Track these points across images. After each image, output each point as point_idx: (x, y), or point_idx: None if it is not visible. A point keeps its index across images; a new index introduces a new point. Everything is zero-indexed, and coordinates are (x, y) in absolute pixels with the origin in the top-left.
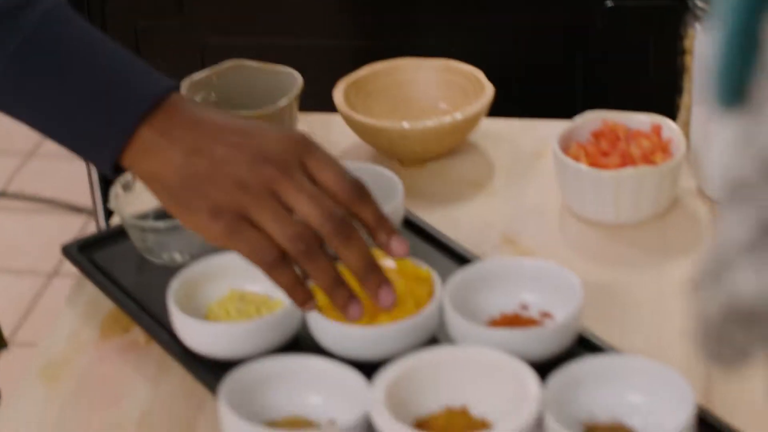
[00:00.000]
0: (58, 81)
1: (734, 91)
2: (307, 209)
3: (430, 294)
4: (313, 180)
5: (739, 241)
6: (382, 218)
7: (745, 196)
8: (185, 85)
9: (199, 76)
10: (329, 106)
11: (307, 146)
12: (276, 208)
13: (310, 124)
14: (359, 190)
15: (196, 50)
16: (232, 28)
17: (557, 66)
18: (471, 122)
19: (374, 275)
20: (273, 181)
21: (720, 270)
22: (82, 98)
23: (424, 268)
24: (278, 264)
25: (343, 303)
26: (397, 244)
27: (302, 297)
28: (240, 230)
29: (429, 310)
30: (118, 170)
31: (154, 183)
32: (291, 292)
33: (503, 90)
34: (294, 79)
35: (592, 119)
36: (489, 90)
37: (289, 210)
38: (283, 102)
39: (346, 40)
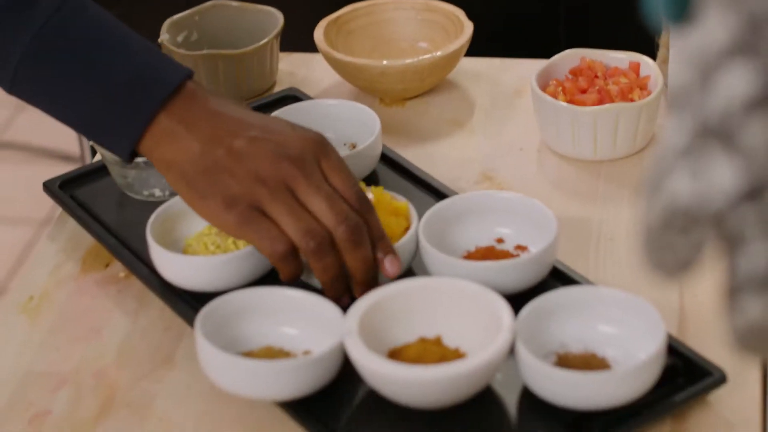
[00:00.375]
0: (75, 69)
1: (679, 4)
2: (323, 209)
3: (407, 227)
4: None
5: (676, 147)
6: (383, 234)
7: (684, 103)
8: (166, 25)
9: (180, 15)
10: (311, 47)
11: (324, 149)
12: (291, 203)
13: (291, 63)
14: (366, 202)
15: None
16: None
17: (538, 4)
18: (450, 60)
19: (374, 284)
20: (291, 178)
21: (660, 177)
22: (99, 86)
23: (401, 201)
24: (287, 257)
25: (337, 296)
26: (391, 263)
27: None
28: (252, 220)
29: (404, 241)
30: (135, 156)
31: (170, 170)
32: (292, 282)
33: (484, 29)
34: (275, 19)
35: (570, 56)
36: (468, 28)
37: (303, 206)
38: (264, 41)
39: None
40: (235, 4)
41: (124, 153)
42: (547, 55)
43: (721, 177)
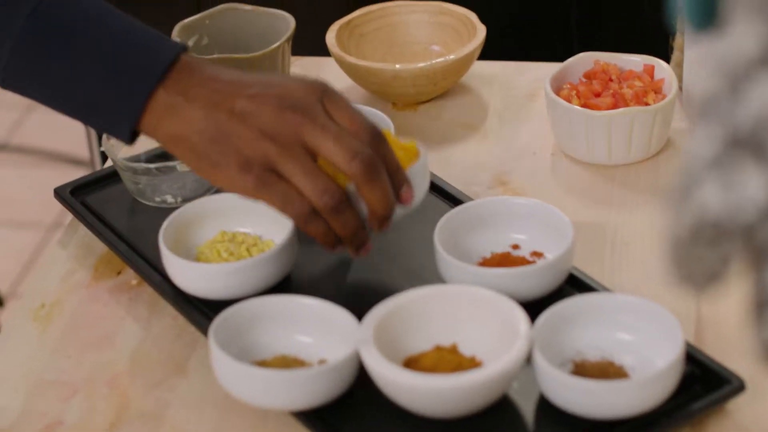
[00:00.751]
0: (66, 54)
1: (703, 10)
2: (333, 149)
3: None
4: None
5: (705, 157)
6: (398, 165)
7: (712, 112)
8: (177, 29)
9: (191, 19)
10: (322, 51)
11: (325, 91)
12: (304, 160)
13: (303, 67)
14: (378, 134)
15: None
16: None
17: (550, 6)
18: (463, 64)
19: (391, 216)
20: (298, 126)
21: (688, 188)
22: (93, 68)
23: (409, 142)
24: (310, 216)
25: (358, 249)
26: (406, 192)
27: (333, 243)
28: (270, 183)
29: (415, 169)
30: (135, 137)
31: (177, 145)
32: (323, 240)
33: (497, 32)
34: (287, 22)
35: (584, 60)
36: (481, 32)
37: (315, 157)
38: (275, 44)
39: None
40: (246, 7)
41: (124, 134)
42: (561, 58)
43: (752, 188)
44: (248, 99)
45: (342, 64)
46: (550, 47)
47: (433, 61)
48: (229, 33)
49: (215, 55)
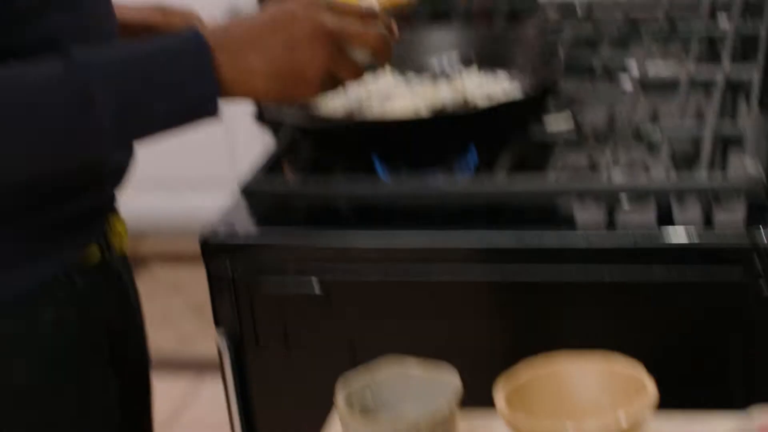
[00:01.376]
0: (137, 92)
1: None
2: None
3: None
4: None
5: None
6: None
7: None
8: (340, 385)
9: (354, 378)
10: (484, 401)
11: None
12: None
13: (470, 423)
14: (371, 12)
15: (343, 343)
16: (379, 325)
17: (713, 352)
18: (635, 427)
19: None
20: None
21: None
22: (164, 78)
23: None
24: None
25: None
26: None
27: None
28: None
29: None
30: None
31: (255, 82)
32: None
33: (659, 379)
34: (451, 382)
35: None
36: (651, 390)
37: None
38: (444, 408)
39: (498, 320)
40: (410, 366)
41: (214, 110)
42: (723, 398)
43: None
44: (284, 35)
45: (512, 425)
46: (714, 393)
47: (605, 423)
48: (393, 388)
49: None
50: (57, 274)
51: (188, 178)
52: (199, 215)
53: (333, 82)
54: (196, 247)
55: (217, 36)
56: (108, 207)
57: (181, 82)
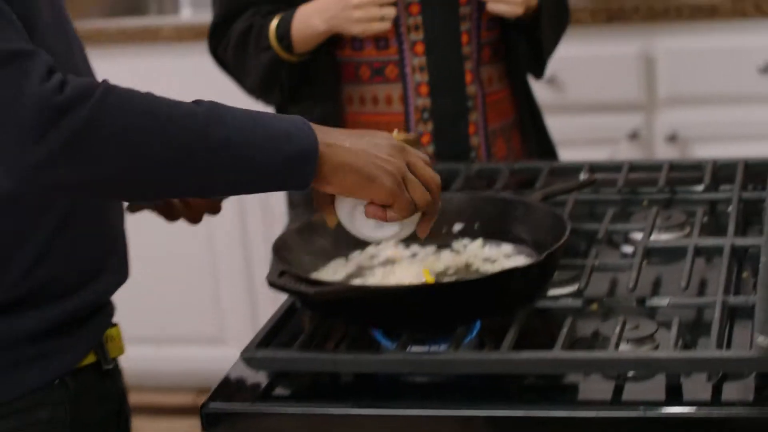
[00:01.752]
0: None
1: None
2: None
3: None
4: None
5: None
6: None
7: None
8: None
9: None
10: None
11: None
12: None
13: None
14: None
15: None
16: None
17: None
18: None
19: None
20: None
21: None
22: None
23: None
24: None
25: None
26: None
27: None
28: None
29: None
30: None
31: (344, 170)
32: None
33: None
34: None
35: None
36: None
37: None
38: None
39: None
40: None
41: (308, 177)
42: None
43: None
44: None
45: None
46: None
47: None
48: None
49: None
50: (53, 378)
51: (180, 334)
52: (192, 369)
53: (402, 194)
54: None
55: (321, 130)
56: (105, 314)
57: (288, 136)
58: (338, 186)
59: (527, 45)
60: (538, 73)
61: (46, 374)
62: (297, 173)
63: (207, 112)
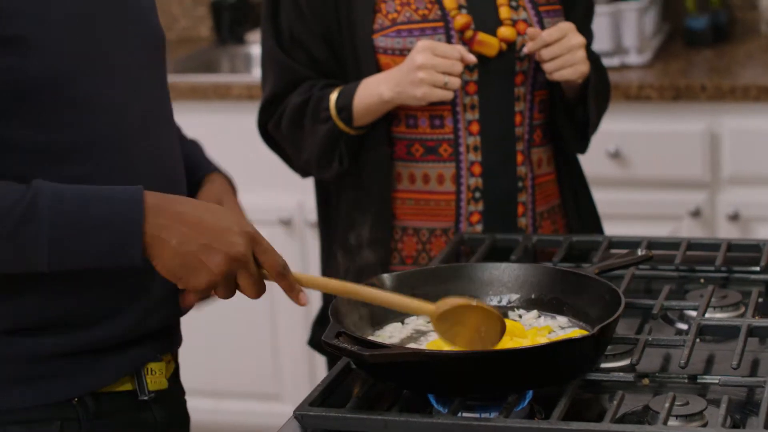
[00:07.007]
0: (76, 227)
1: None
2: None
3: None
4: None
5: None
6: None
7: None
8: None
9: None
10: None
11: (257, 241)
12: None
13: None
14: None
15: None
16: None
17: None
18: None
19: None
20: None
21: None
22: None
23: None
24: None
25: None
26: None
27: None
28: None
29: None
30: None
31: (164, 254)
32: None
33: None
34: None
35: None
36: None
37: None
38: None
39: None
40: None
41: (137, 255)
42: None
43: None
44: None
45: None
46: None
47: None
48: None
49: None
50: (71, 396)
51: (239, 389)
52: (249, 424)
53: (230, 285)
54: None
55: (159, 201)
56: (145, 346)
57: (111, 221)
58: (162, 272)
59: (573, 122)
60: (581, 150)
61: (66, 391)
62: (123, 258)
63: (26, 206)
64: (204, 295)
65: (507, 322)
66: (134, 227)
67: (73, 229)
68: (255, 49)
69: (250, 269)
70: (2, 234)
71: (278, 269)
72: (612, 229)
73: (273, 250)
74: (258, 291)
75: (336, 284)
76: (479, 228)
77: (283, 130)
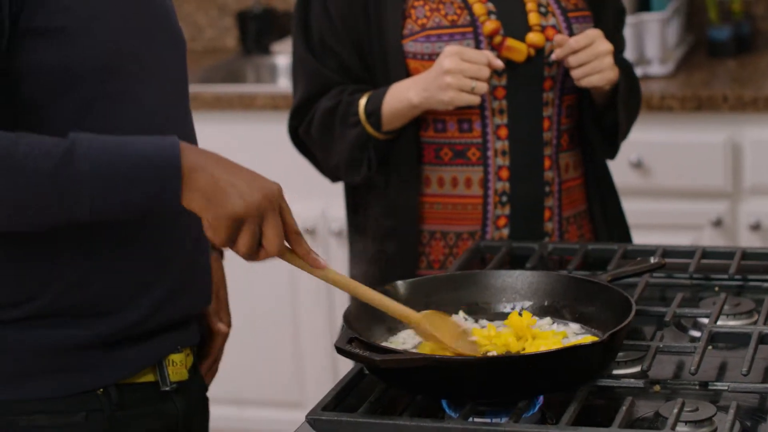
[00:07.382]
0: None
1: None
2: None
3: None
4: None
5: None
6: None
7: None
8: None
9: None
10: None
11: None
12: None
13: None
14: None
15: None
16: None
17: None
18: None
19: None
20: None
21: None
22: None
23: None
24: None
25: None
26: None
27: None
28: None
29: None
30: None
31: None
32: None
33: None
34: None
35: None
36: None
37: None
38: None
39: None
40: None
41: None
42: None
43: None
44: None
45: None
46: None
47: None
48: None
49: None
50: (96, 386)
51: (262, 397)
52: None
53: (256, 230)
54: None
55: (194, 147)
56: (168, 339)
57: (149, 157)
58: (192, 197)
59: (601, 128)
60: (611, 156)
61: (91, 382)
62: (159, 202)
63: (65, 150)
64: (231, 239)
65: (512, 321)
66: (173, 160)
67: (112, 168)
68: (280, 60)
69: (278, 216)
70: (42, 173)
71: (297, 229)
72: (633, 238)
73: (292, 215)
74: (280, 244)
75: (341, 278)
76: (506, 232)
77: (313, 135)
